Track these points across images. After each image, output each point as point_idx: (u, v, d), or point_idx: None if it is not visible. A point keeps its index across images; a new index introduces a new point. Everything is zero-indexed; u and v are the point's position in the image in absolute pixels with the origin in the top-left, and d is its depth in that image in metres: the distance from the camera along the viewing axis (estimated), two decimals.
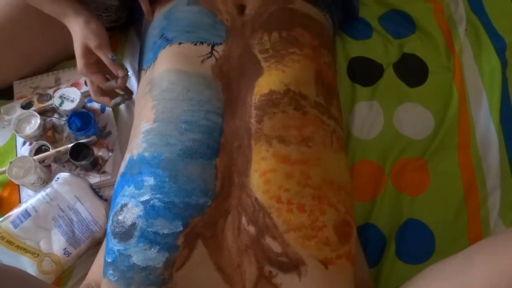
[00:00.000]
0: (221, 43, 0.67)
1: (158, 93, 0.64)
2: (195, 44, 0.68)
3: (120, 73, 0.72)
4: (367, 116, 0.80)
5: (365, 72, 0.84)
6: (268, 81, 0.63)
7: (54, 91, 0.83)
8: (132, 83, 0.86)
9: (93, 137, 0.77)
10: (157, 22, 0.75)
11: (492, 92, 0.79)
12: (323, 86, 0.66)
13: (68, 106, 0.77)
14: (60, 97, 0.78)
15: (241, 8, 0.72)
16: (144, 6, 0.77)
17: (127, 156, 0.64)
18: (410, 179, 0.75)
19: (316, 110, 0.62)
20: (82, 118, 0.78)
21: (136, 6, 0.80)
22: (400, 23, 0.89)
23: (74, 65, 0.87)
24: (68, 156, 0.74)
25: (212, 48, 0.67)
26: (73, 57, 0.88)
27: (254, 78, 0.64)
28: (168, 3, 0.76)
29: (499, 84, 0.80)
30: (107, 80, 0.73)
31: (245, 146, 0.60)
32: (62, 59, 0.89)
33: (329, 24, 0.79)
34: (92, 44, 0.70)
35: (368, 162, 0.76)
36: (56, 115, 0.82)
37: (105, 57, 0.71)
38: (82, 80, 0.85)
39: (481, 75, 0.82)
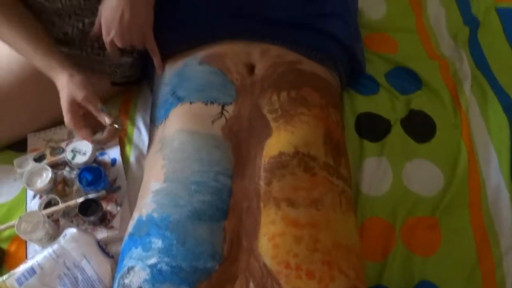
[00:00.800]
0: (231, 103, 0.69)
1: (169, 152, 0.65)
2: (206, 104, 0.69)
3: (107, 121, 0.73)
4: (375, 172, 0.80)
5: (372, 128, 0.85)
6: (277, 142, 0.64)
7: (67, 145, 0.84)
8: (143, 137, 0.87)
9: (103, 192, 0.77)
10: (169, 79, 0.77)
11: (501, 148, 0.79)
12: (332, 145, 0.66)
13: (80, 159, 0.79)
14: (72, 150, 0.80)
15: (251, 68, 0.74)
16: (156, 61, 0.79)
17: (135, 216, 0.64)
18: (421, 238, 0.73)
19: (325, 171, 0.62)
20: (92, 172, 0.79)
21: (149, 61, 0.83)
22: (407, 79, 0.91)
23: None
24: (77, 211, 0.74)
25: (223, 108, 0.68)
26: None
27: (264, 139, 0.65)
28: (180, 60, 0.78)
29: (507, 140, 0.80)
30: (95, 132, 0.74)
31: (254, 208, 0.60)
32: None
33: (336, 82, 0.81)
34: (79, 96, 0.72)
35: (378, 220, 0.75)
36: (67, 169, 0.83)
37: (93, 108, 0.73)
38: None
39: (488, 131, 0.82)
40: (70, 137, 0.87)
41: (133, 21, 0.73)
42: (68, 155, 0.79)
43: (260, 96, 0.70)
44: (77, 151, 0.80)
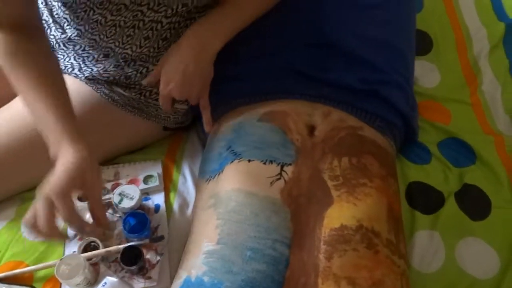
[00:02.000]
0: (290, 164, 0.68)
1: (224, 212, 0.63)
2: (265, 163, 0.68)
3: (103, 220, 0.62)
4: (427, 247, 0.76)
5: (424, 199, 0.82)
6: (339, 214, 0.61)
7: (113, 186, 0.83)
8: (189, 185, 0.86)
9: (146, 240, 0.75)
10: (225, 133, 0.77)
11: None
12: (394, 220, 0.64)
13: (127, 204, 0.77)
14: (120, 194, 0.78)
15: (311, 129, 0.74)
16: (206, 118, 0.78)
17: (182, 275, 0.62)
18: None
19: (387, 249, 0.60)
20: (137, 218, 0.77)
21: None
22: (460, 151, 0.89)
23: (134, 160, 0.90)
24: (119, 258, 0.72)
25: (282, 169, 0.67)
26: (132, 152, 0.92)
27: (324, 208, 0.63)
28: (238, 115, 0.78)
29: None
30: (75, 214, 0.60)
31: (311, 285, 0.57)
32: (123, 153, 0.91)
33: (393, 150, 0.79)
34: (91, 178, 0.60)
35: None
36: (110, 211, 0.82)
37: (94, 199, 0.62)
38: (140, 176, 0.86)
39: None
40: (116, 178, 0.86)
41: (196, 74, 0.73)
42: (115, 198, 0.78)
43: (320, 160, 0.68)
44: (124, 195, 0.78)
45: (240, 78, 0.83)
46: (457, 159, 0.88)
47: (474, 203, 0.82)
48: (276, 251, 0.59)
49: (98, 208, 0.62)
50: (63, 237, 0.68)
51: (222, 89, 0.81)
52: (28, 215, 0.58)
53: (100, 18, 0.73)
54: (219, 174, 0.71)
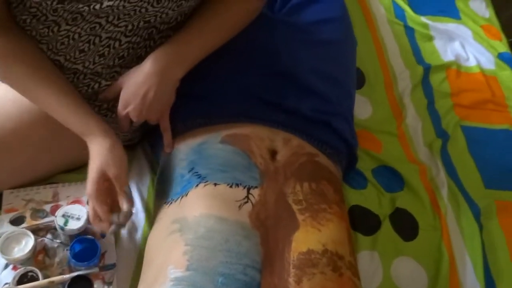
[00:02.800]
0: (256, 187, 0.69)
1: (193, 238, 0.62)
2: (231, 186, 0.68)
3: (125, 207, 0.68)
4: (368, 267, 0.83)
5: (364, 221, 0.89)
6: (306, 238, 0.64)
7: (52, 209, 0.76)
8: (137, 207, 0.82)
9: (95, 269, 0.70)
10: (185, 154, 0.75)
11: (475, 256, 0.88)
12: (351, 243, 0.69)
13: (75, 225, 0.71)
14: (64, 215, 0.71)
15: (273, 154, 0.76)
16: (167, 140, 0.77)
17: None
18: None
19: (350, 272, 0.64)
20: (84, 243, 0.71)
21: (158, 132, 0.80)
22: (391, 178, 0.99)
23: (74, 180, 0.83)
24: None
25: (248, 192, 0.68)
26: (72, 170, 0.85)
27: (291, 232, 0.65)
28: (198, 136, 0.77)
29: (479, 248, 0.89)
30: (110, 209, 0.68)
31: None
32: (61, 171, 0.84)
33: (340, 177, 0.86)
34: (111, 172, 0.68)
35: None
36: (49, 236, 0.74)
37: (120, 189, 0.68)
38: (84, 197, 0.79)
39: (463, 238, 0.91)
40: (55, 199, 0.79)
41: (156, 100, 0.72)
42: (58, 220, 0.71)
43: (284, 184, 0.71)
44: (69, 216, 0.72)
45: (198, 97, 0.82)
46: (388, 185, 0.97)
47: (405, 225, 0.91)
48: (247, 276, 0.59)
49: (120, 198, 0.68)
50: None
51: (180, 107, 0.79)
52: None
53: (53, 25, 0.68)
54: (182, 198, 0.69)
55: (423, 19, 1.29)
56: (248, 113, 0.80)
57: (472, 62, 1.23)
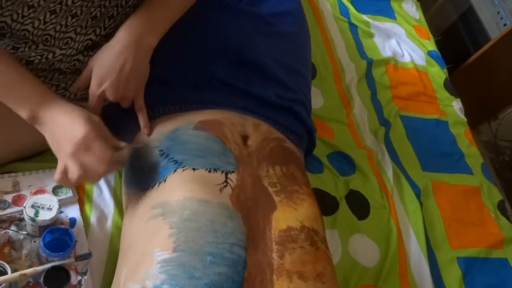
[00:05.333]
0: (233, 171, 0.71)
1: (179, 221, 0.63)
2: (209, 171, 0.70)
3: (122, 143, 0.69)
4: (330, 244, 0.89)
5: (323, 203, 0.96)
6: (284, 217, 0.68)
7: (14, 199, 0.71)
8: (105, 196, 0.80)
9: (71, 259, 0.67)
10: (158, 141, 0.75)
11: (418, 230, 0.99)
12: (322, 220, 0.74)
13: (46, 215, 0.67)
14: (33, 206, 0.68)
15: (244, 139, 0.79)
16: (143, 120, 0.76)
17: None
18: None
19: (324, 245, 0.69)
20: (56, 233, 0.68)
21: (127, 117, 0.79)
22: (344, 162, 1.07)
23: (34, 168, 0.79)
24: (41, 282, 0.63)
25: (226, 176, 0.70)
26: (28, 158, 0.80)
27: (270, 212, 0.69)
28: (169, 123, 0.77)
29: (421, 222, 1.01)
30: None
31: (267, 281, 0.62)
32: (17, 159, 0.79)
33: (303, 161, 0.91)
34: (96, 118, 0.66)
35: None
36: (13, 227, 0.69)
37: (108, 132, 0.68)
38: (49, 186, 0.76)
39: (406, 214, 1.02)
40: (16, 189, 0.74)
41: (133, 73, 0.70)
42: (28, 211, 0.67)
43: (258, 168, 0.74)
44: (39, 206, 0.68)
45: (168, 84, 0.82)
46: (342, 169, 1.05)
47: (358, 205, 1.00)
48: (234, 254, 0.61)
49: (113, 139, 0.68)
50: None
51: (149, 93, 0.78)
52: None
53: None
54: (160, 184, 0.69)
55: (365, 17, 1.40)
56: (218, 100, 0.82)
57: (407, 58, 1.37)
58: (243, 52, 0.89)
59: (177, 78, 0.83)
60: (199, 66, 0.85)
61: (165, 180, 0.69)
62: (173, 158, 0.72)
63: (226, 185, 0.69)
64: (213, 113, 0.79)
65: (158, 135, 0.76)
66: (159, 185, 0.69)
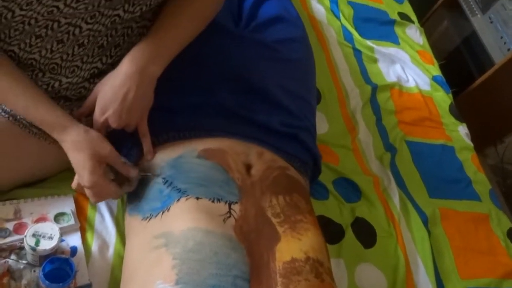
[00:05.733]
0: (236, 202, 0.70)
1: (182, 252, 0.61)
2: (213, 201, 0.69)
3: (133, 173, 0.71)
4: (335, 274, 0.87)
5: (328, 231, 0.94)
6: (288, 248, 0.67)
7: (16, 227, 0.70)
8: (107, 224, 0.79)
9: None
10: (160, 169, 0.74)
11: (426, 259, 0.97)
12: (327, 250, 0.73)
13: (47, 244, 0.66)
14: (34, 235, 0.67)
15: (248, 168, 0.78)
16: (147, 146, 0.76)
17: None
18: None
19: (329, 277, 0.67)
20: (56, 263, 0.67)
21: (129, 143, 0.79)
22: (349, 189, 1.06)
23: (36, 195, 0.78)
24: None
25: (230, 207, 0.69)
26: (31, 185, 0.79)
27: (273, 243, 0.67)
28: (172, 151, 0.77)
29: (429, 251, 0.98)
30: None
31: None
32: (19, 186, 0.78)
33: (308, 188, 0.90)
34: (105, 151, 0.68)
35: None
36: (13, 257, 0.68)
37: (118, 162, 0.70)
38: (50, 214, 0.75)
39: (414, 243, 1.00)
40: (17, 216, 0.73)
41: (136, 102, 0.71)
42: (28, 241, 0.66)
43: (261, 198, 0.73)
44: (40, 235, 0.67)
45: (172, 111, 0.82)
46: (347, 196, 1.04)
47: (365, 233, 0.98)
48: (237, 286, 0.60)
49: (124, 170, 0.71)
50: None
51: (153, 121, 0.78)
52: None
53: (5, 12, 0.63)
54: (163, 213, 0.68)
55: (369, 42, 1.41)
56: (221, 127, 0.82)
57: (411, 83, 1.37)
58: (248, 79, 0.89)
59: (181, 106, 0.83)
60: (204, 94, 0.85)
61: (168, 209, 0.68)
62: (176, 186, 0.71)
63: (229, 216, 0.68)
64: (216, 141, 0.79)
65: (161, 162, 0.76)
66: (162, 214, 0.68)
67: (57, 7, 0.64)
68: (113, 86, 0.70)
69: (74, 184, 0.74)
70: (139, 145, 0.79)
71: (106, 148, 0.68)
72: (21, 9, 0.63)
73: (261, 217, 0.70)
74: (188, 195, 0.69)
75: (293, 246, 0.67)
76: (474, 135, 1.33)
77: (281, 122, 0.88)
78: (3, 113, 0.73)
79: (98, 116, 0.70)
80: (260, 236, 0.68)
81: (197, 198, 0.68)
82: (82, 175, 0.68)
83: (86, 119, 0.75)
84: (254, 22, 1.04)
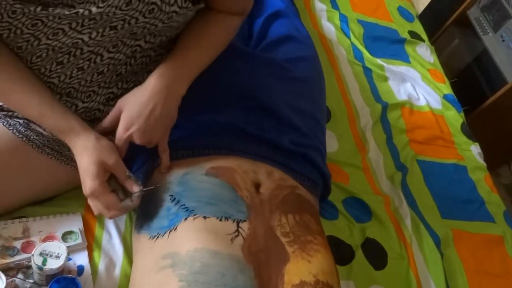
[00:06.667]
0: (245, 220, 0.69)
1: (188, 274, 0.61)
2: (221, 220, 0.68)
3: (135, 189, 0.69)
4: None
5: (338, 251, 0.92)
6: (297, 270, 0.66)
7: (23, 245, 0.70)
8: (114, 242, 0.78)
9: None
10: (168, 185, 0.74)
11: (439, 283, 0.94)
12: (338, 272, 0.71)
13: (54, 264, 0.66)
14: (41, 254, 0.66)
15: (257, 186, 0.77)
16: (165, 161, 0.76)
17: None
18: None
19: None
20: (62, 283, 0.66)
21: (140, 158, 0.79)
22: (359, 209, 1.04)
23: (45, 213, 0.78)
24: None
25: (238, 225, 0.68)
26: (40, 202, 0.80)
27: (282, 264, 0.66)
28: (181, 168, 0.76)
29: (441, 273, 0.96)
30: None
31: None
32: (29, 203, 0.79)
33: (318, 208, 0.89)
34: (110, 160, 0.67)
35: None
36: (20, 275, 0.68)
37: (123, 174, 0.69)
38: (58, 232, 0.75)
39: (426, 265, 0.98)
40: (26, 235, 0.73)
41: (162, 119, 0.71)
42: (36, 260, 0.66)
43: (270, 217, 0.72)
44: (47, 254, 0.67)
45: (181, 129, 0.82)
46: (358, 216, 1.02)
47: (375, 255, 0.96)
48: None
49: (127, 183, 0.69)
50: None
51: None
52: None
53: (32, 39, 0.64)
54: (170, 232, 0.67)
55: (379, 61, 1.41)
56: (230, 146, 0.81)
57: (422, 102, 1.36)
58: (257, 98, 0.89)
59: (189, 124, 0.83)
60: (213, 112, 0.85)
61: (175, 228, 0.68)
62: (184, 205, 0.70)
63: (237, 235, 0.67)
64: (225, 159, 0.79)
65: (170, 178, 0.75)
66: (169, 233, 0.68)
67: (82, 39, 0.66)
68: (139, 102, 0.69)
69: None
70: (150, 162, 0.79)
71: (112, 157, 0.67)
72: (48, 39, 0.65)
73: (270, 236, 0.69)
74: (195, 215, 0.68)
75: (302, 268, 0.66)
76: (487, 154, 1.31)
77: (290, 140, 0.87)
78: (17, 133, 0.74)
79: (122, 132, 0.70)
80: (269, 256, 0.67)
81: (205, 217, 0.68)
82: (85, 181, 0.67)
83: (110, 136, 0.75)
84: (265, 41, 1.05)
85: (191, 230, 0.66)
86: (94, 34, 0.66)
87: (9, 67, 0.66)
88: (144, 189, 0.71)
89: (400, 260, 0.97)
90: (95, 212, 0.68)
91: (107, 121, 0.72)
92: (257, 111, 0.88)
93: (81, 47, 0.68)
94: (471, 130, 1.36)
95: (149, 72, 0.79)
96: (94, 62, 0.70)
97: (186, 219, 0.68)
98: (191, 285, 0.59)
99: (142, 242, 0.71)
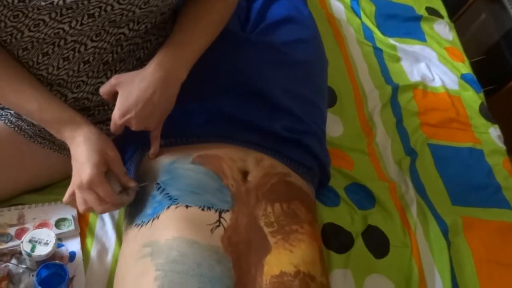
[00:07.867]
0: (228, 210, 0.69)
1: (165, 263, 0.61)
2: (203, 209, 0.68)
3: (132, 184, 0.69)
4: (341, 286, 0.84)
5: (337, 239, 0.90)
6: (278, 261, 0.64)
7: (17, 232, 0.73)
8: (107, 229, 0.80)
9: None
10: (155, 173, 0.74)
11: (443, 270, 0.90)
12: (323, 262, 0.69)
13: (42, 250, 0.68)
14: (30, 241, 0.69)
15: (244, 175, 0.76)
16: (155, 148, 0.75)
17: None
18: None
19: None
20: (51, 269, 0.68)
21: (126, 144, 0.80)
22: (363, 195, 1.01)
23: (41, 201, 0.80)
24: None
25: (220, 216, 0.68)
26: (37, 190, 0.82)
27: (263, 255, 0.65)
28: (168, 155, 0.76)
29: (447, 263, 0.92)
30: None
31: None
32: (25, 191, 0.81)
33: (313, 195, 0.86)
34: (112, 153, 0.68)
35: None
36: (13, 261, 0.71)
37: (121, 168, 0.69)
38: (52, 219, 0.77)
39: (432, 254, 0.94)
40: (20, 222, 0.76)
41: (160, 106, 0.70)
42: (25, 246, 0.68)
43: (255, 207, 0.71)
44: (36, 241, 0.69)
45: (170, 116, 0.82)
46: (360, 202, 0.99)
47: (377, 243, 0.93)
48: None
49: (124, 179, 0.69)
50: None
51: None
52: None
53: (15, 32, 0.65)
54: (153, 220, 0.68)
55: (391, 40, 1.34)
56: (220, 133, 0.80)
57: (437, 83, 1.28)
58: (251, 84, 0.87)
59: (178, 112, 0.82)
60: (204, 99, 0.84)
61: (158, 216, 0.68)
62: (168, 193, 0.70)
63: (218, 225, 0.66)
64: (213, 147, 0.78)
65: (155, 166, 0.75)
66: (152, 221, 0.68)
67: (63, 29, 0.66)
68: (138, 88, 0.68)
69: (65, 199, 0.69)
70: (141, 151, 0.80)
71: (114, 151, 0.68)
72: (30, 30, 0.65)
73: (253, 227, 0.68)
74: (178, 203, 0.68)
75: (283, 258, 0.65)
76: (508, 137, 1.23)
77: (284, 127, 0.85)
78: (8, 123, 0.76)
79: (119, 117, 0.69)
80: (249, 248, 0.66)
81: (187, 207, 0.68)
82: (83, 170, 0.65)
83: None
84: (262, 25, 1.02)
85: (172, 219, 0.66)
86: (74, 23, 0.66)
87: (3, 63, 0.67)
88: (140, 184, 0.71)
89: (403, 249, 0.93)
90: (82, 207, 0.66)
91: (105, 92, 0.71)
92: (249, 97, 0.86)
93: (64, 37, 0.68)
94: (494, 110, 1.28)
95: (138, 59, 0.79)
96: (78, 52, 0.71)
97: (168, 207, 0.68)
98: (167, 274, 0.60)
99: (129, 230, 0.72)
